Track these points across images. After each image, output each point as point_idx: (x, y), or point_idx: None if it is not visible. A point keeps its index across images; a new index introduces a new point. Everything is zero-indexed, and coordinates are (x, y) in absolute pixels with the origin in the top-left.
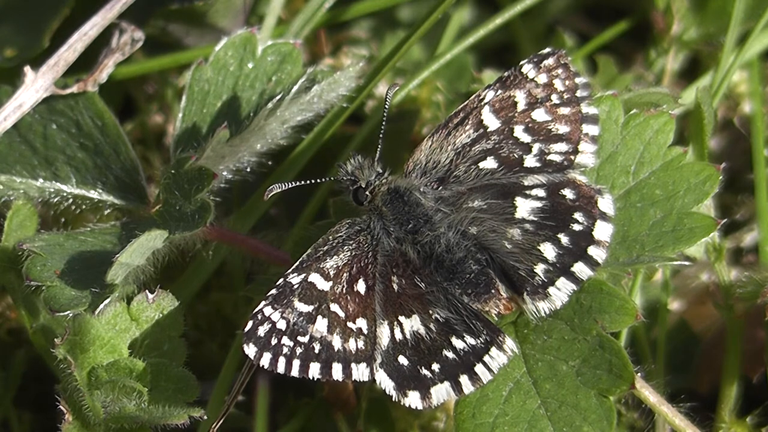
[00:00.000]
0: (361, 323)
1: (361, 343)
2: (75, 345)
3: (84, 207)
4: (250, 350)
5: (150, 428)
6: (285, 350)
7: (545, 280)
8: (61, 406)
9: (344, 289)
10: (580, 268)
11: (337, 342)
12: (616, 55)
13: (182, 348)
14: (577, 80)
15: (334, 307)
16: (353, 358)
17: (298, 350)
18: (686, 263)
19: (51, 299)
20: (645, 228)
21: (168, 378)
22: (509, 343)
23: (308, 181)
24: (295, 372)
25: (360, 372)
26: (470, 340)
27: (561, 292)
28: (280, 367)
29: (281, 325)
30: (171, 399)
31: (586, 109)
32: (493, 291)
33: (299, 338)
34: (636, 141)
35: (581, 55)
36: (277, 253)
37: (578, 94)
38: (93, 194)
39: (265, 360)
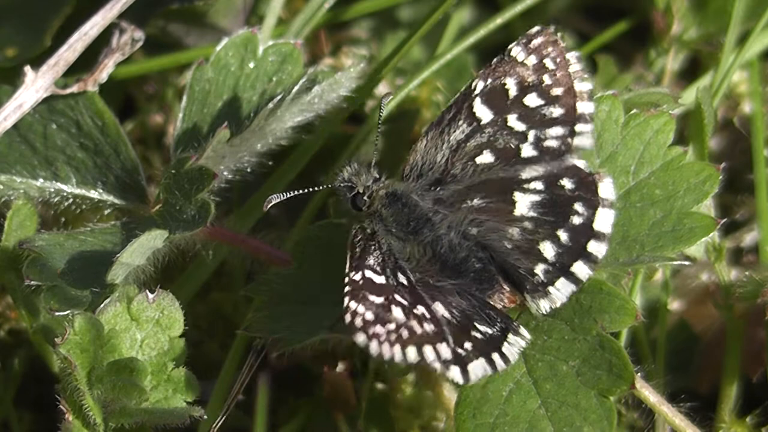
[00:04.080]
0: (421, 309)
1: (431, 326)
2: (75, 345)
3: (84, 207)
4: (360, 339)
5: (150, 428)
6: (391, 335)
7: (545, 280)
8: (61, 406)
9: (393, 281)
10: (580, 268)
11: (416, 326)
12: (616, 55)
13: (182, 348)
14: (568, 56)
15: (398, 297)
16: (433, 340)
17: (394, 336)
18: (686, 263)
19: (51, 299)
20: (645, 228)
21: (168, 378)
22: (523, 330)
23: (306, 190)
24: (412, 356)
25: (444, 352)
26: (486, 329)
27: (561, 292)
28: (386, 352)
29: (369, 316)
30: (171, 399)
31: (580, 86)
32: (495, 285)
33: (389, 326)
34: (636, 141)
35: (581, 55)
36: (277, 253)
37: (570, 70)
38: (93, 194)
39: (374, 347)
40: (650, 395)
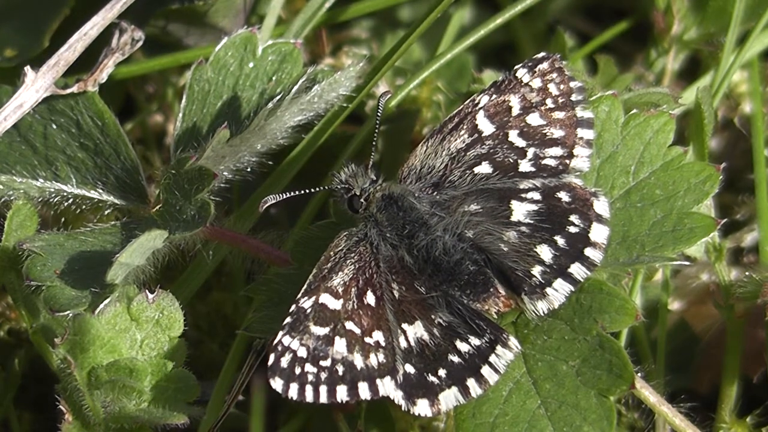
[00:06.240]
0: (378, 336)
1: (381, 357)
2: (75, 345)
3: (84, 207)
4: (277, 384)
5: (150, 428)
6: (310, 378)
7: (542, 281)
8: (61, 406)
9: (355, 304)
10: (577, 269)
11: (358, 360)
12: (616, 55)
13: (182, 348)
14: (572, 84)
15: (349, 325)
16: (377, 374)
17: (323, 375)
18: (686, 263)
19: (51, 299)
20: (645, 228)
21: (168, 378)
22: (513, 341)
23: (303, 191)
24: (323, 398)
25: (386, 386)
26: (474, 341)
27: (558, 293)
28: (309, 396)
29: (302, 352)
30: (171, 399)
31: (581, 113)
32: (491, 289)
33: (321, 363)
34: (636, 141)
35: (581, 55)
36: (277, 253)
37: (573, 98)
38: (93, 194)
39: (293, 391)
40: (650, 395)
